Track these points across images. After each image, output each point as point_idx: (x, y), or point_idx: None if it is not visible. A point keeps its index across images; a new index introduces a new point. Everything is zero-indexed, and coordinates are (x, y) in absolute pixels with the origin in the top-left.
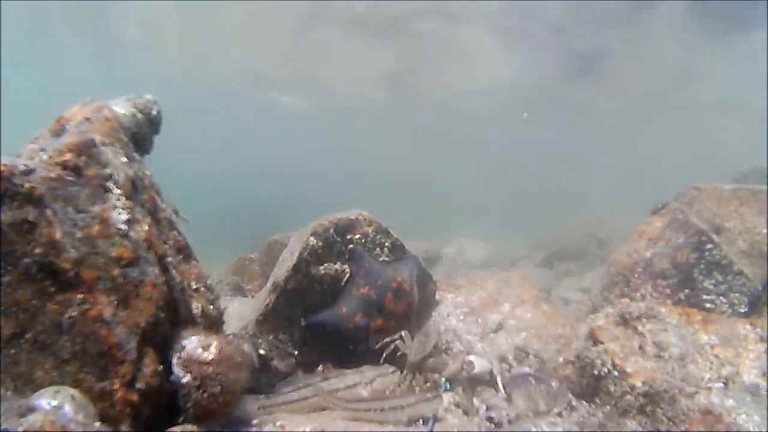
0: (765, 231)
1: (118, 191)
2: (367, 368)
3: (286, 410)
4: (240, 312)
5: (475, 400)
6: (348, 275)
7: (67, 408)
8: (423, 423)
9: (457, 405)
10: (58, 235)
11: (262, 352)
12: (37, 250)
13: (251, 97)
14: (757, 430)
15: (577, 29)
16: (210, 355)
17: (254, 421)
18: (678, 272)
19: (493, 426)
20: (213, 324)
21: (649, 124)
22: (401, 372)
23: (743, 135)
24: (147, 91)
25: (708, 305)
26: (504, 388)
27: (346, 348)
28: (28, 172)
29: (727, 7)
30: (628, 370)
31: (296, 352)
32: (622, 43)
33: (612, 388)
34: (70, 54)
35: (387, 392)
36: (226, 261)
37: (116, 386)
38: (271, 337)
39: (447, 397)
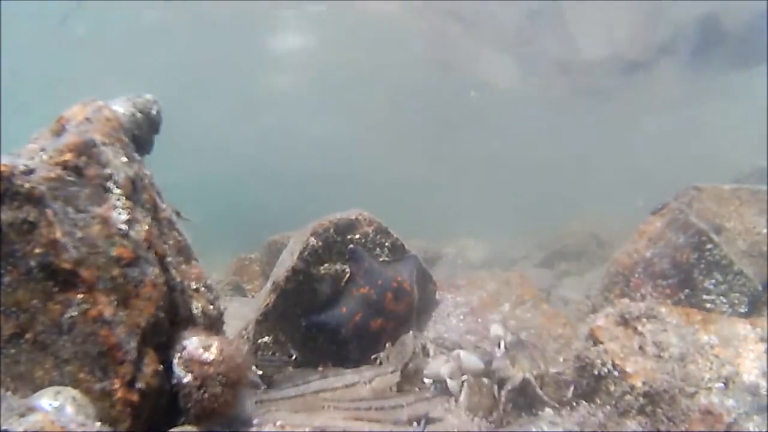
0: (765, 231)
1: (119, 191)
2: (366, 368)
3: (284, 405)
4: (240, 312)
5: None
6: (348, 275)
7: (68, 409)
8: (424, 422)
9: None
10: (58, 235)
11: (260, 372)
12: (37, 250)
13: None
14: (757, 430)
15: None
16: (211, 355)
17: (255, 421)
18: (678, 272)
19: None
20: (213, 324)
21: (649, 124)
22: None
23: (744, 136)
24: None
25: (708, 305)
26: (507, 349)
27: (346, 348)
28: (28, 172)
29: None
30: (628, 370)
31: (294, 356)
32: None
33: (612, 388)
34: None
35: (385, 392)
36: (226, 261)
37: (116, 386)
38: (261, 353)
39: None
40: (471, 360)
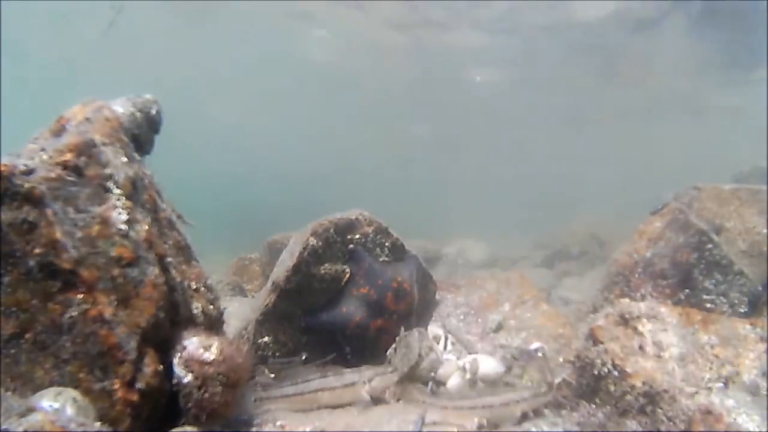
0: (765, 231)
1: (118, 191)
2: (365, 367)
3: (283, 404)
4: (240, 312)
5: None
6: (348, 275)
7: (69, 410)
8: (421, 422)
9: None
10: (58, 235)
11: (272, 375)
12: (37, 250)
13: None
14: (757, 430)
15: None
16: (211, 355)
17: (255, 421)
18: (678, 272)
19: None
20: (213, 324)
21: (649, 123)
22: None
23: (744, 135)
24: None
25: (708, 305)
26: (516, 362)
27: (346, 348)
28: (29, 172)
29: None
30: (628, 370)
31: (304, 357)
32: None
33: (612, 388)
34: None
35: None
36: (226, 261)
37: (116, 386)
38: (268, 355)
39: None
40: (489, 364)
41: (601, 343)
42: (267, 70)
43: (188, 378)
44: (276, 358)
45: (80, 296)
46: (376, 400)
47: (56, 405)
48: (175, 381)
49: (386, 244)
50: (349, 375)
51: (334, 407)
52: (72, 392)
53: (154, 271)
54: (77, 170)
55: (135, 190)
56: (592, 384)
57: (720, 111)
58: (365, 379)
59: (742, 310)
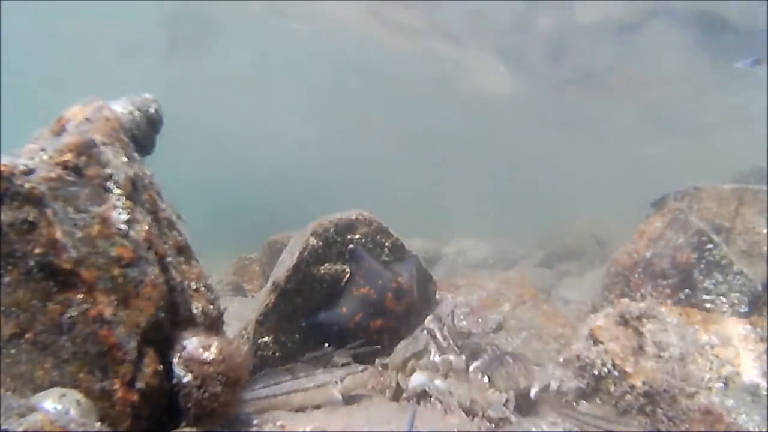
0: (765, 231)
1: (119, 191)
2: (337, 367)
3: (254, 408)
4: (240, 312)
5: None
6: (348, 275)
7: (72, 412)
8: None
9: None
10: (58, 235)
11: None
12: (37, 250)
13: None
14: (757, 430)
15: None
16: (211, 355)
17: (254, 421)
18: (678, 272)
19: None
20: (213, 324)
21: (648, 124)
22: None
23: (744, 135)
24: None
25: (708, 305)
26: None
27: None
28: (29, 172)
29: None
30: (628, 370)
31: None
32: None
33: (612, 388)
34: None
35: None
36: (226, 261)
37: (116, 386)
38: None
39: None
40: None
41: (601, 343)
42: (270, 71)
43: (188, 378)
44: (306, 354)
45: (80, 296)
46: (349, 399)
47: (60, 407)
48: (175, 381)
49: (386, 244)
50: (321, 375)
51: (311, 408)
52: (76, 394)
53: (154, 271)
54: (77, 170)
55: (135, 190)
56: (592, 384)
57: (720, 112)
58: (337, 378)
59: (742, 310)
